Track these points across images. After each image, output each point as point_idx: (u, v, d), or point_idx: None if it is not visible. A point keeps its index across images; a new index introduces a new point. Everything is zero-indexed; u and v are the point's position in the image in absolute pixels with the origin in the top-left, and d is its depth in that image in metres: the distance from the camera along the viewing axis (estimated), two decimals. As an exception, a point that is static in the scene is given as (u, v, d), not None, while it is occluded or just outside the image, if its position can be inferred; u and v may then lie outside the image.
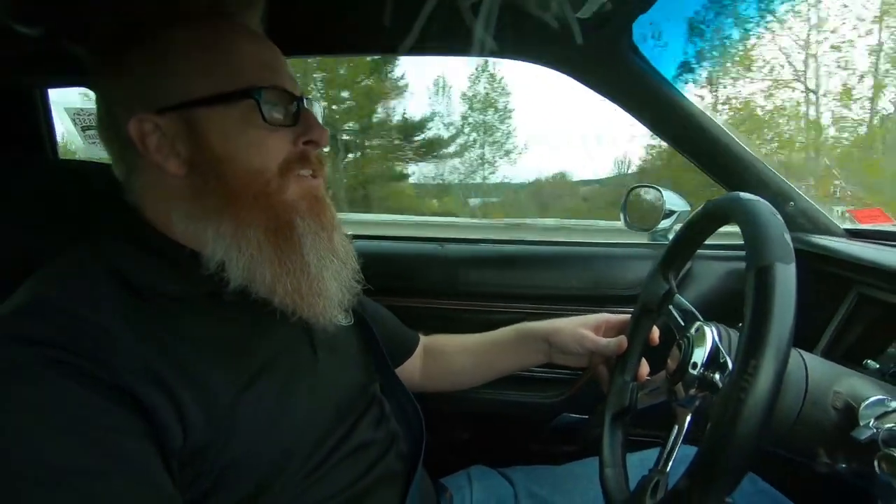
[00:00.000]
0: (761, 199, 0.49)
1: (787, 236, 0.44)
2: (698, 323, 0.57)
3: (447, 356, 0.89)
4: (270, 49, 0.57)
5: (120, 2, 0.52)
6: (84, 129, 1.15)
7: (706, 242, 0.67)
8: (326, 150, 0.61)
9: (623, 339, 0.72)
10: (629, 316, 0.75)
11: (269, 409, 0.52)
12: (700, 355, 0.52)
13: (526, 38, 0.88)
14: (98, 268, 0.49)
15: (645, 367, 0.72)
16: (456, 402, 1.02)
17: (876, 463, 0.44)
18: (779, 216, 0.46)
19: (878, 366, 0.74)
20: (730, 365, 0.51)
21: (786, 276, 0.41)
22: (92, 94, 0.68)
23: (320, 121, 0.61)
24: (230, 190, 0.52)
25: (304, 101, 0.57)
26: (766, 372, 0.38)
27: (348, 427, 0.62)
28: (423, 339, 0.91)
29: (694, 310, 0.61)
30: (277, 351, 0.56)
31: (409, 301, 1.16)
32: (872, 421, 0.45)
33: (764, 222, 0.46)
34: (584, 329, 0.76)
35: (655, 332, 0.72)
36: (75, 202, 0.63)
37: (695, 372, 0.52)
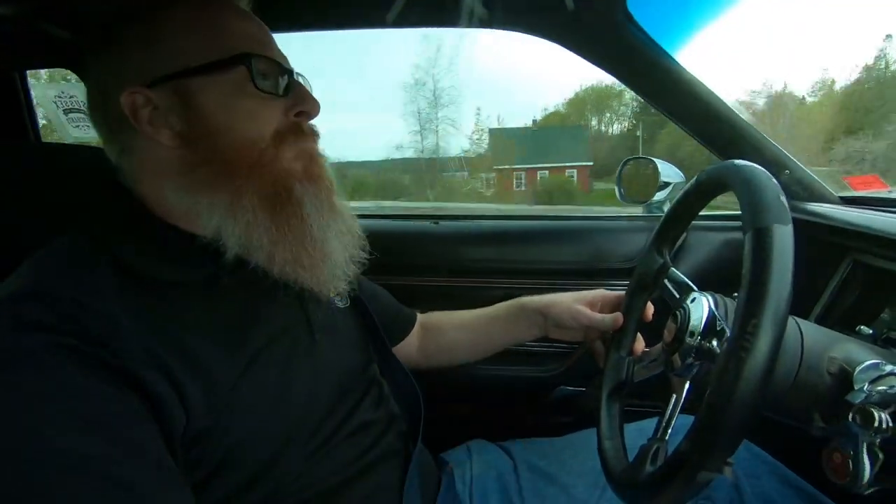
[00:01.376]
0: (755, 165, 0.49)
1: (784, 199, 0.44)
2: (694, 293, 0.57)
3: (444, 332, 0.89)
4: (259, 25, 0.56)
5: None
6: (66, 111, 1.12)
7: (700, 213, 0.67)
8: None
9: (619, 315, 0.72)
10: (623, 293, 0.75)
11: (270, 393, 0.52)
12: (697, 324, 0.52)
13: (518, 8, 0.86)
14: (96, 253, 0.48)
15: (640, 343, 0.72)
16: (454, 377, 1.02)
17: (851, 415, 0.45)
18: (774, 180, 0.46)
19: (871, 331, 0.75)
20: (727, 332, 0.51)
21: (783, 237, 0.41)
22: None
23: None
24: (224, 160, 0.51)
25: (295, 75, 0.57)
26: (767, 330, 0.38)
27: (349, 408, 0.62)
28: (420, 317, 0.91)
29: (689, 281, 0.61)
30: (275, 334, 0.55)
31: (404, 279, 1.15)
32: (867, 385, 0.46)
33: (760, 186, 0.45)
34: (579, 304, 0.76)
35: (650, 309, 0.73)
36: (65, 185, 0.62)
37: (692, 341, 0.52)
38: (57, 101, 1.11)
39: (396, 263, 1.16)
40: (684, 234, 1.08)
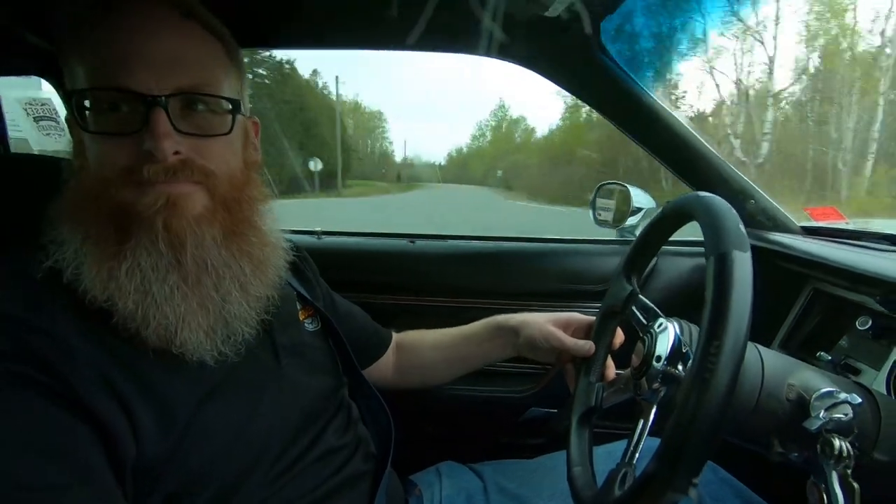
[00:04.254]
0: (716, 196, 0.51)
1: (742, 227, 0.46)
2: (661, 319, 0.58)
3: (420, 352, 0.89)
4: (135, 38, 0.47)
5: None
6: (37, 119, 1.10)
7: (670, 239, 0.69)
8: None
9: (590, 343, 0.72)
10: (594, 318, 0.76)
11: (232, 419, 0.51)
12: (663, 349, 0.54)
13: (497, 36, 0.88)
14: (48, 272, 0.46)
15: (611, 368, 0.73)
16: (425, 398, 1.02)
17: (818, 447, 0.47)
18: (734, 210, 0.48)
19: (829, 357, 0.78)
20: (692, 356, 0.52)
21: (742, 262, 0.43)
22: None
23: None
24: (76, 195, 0.49)
25: (165, 99, 0.47)
26: (728, 351, 0.40)
27: (315, 433, 0.61)
28: (396, 336, 0.91)
29: (656, 308, 0.62)
30: (238, 361, 0.53)
31: (379, 298, 1.15)
32: (822, 412, 0.47)
33: (721, 215, 0.47)
34: (552, 326, 0.77)
35: (619, 336, 0.74)
36: (24, 199, 0.60)
37: (658, 365, 0.53)
38: (27, 108, 1.09)
39: (372, 282, 1.16)
40: (654, 260, 1.10)
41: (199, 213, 0.50)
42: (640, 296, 0.66)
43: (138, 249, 0.47)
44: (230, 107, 0.53)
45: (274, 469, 0.54)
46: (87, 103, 0.47)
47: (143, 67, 0.47)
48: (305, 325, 0.69)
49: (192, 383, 0.49)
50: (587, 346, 0.72)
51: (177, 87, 0.48)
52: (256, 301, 0.55)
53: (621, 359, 0.71)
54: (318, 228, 1.25)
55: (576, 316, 0.79)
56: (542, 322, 0.78)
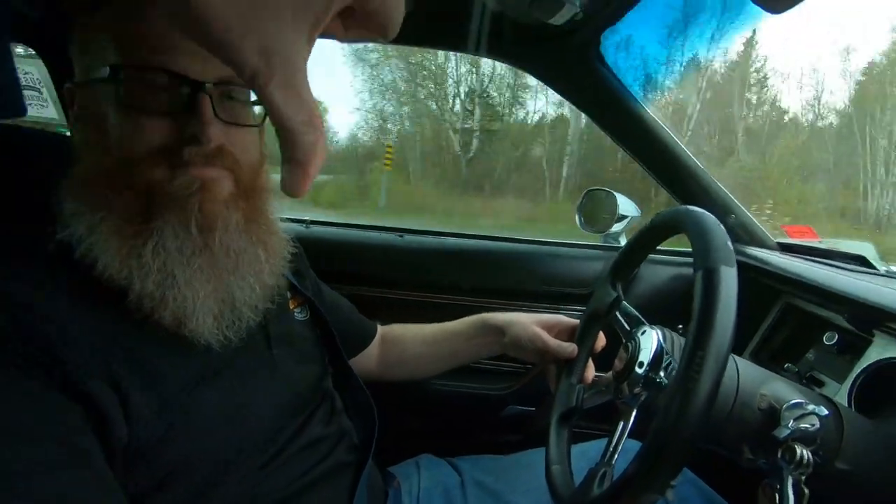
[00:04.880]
0: (705, 211, 0.53)
1: (730, 244, 0.49)
2: (644, 326, 0.60)
3: (404, 345, 0.90)
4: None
5: None
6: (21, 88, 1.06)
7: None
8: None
9: (573, 346, 0.75)
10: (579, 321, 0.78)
11: (224, 406, 0.51)
12: (646, 356, 0.56)
13: (499, 38, 0.89)
14: (47, 248, 0.46)
15: (591, 370, 0.76)
16: (407, 392, 1.03)
17: (780, 451, 0.50)
18: (722, 226, 0.51)
19: (797, 369, 0.82)
20: (674, 364, 0.54)
21: (729, 278, 0.45)
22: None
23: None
24: (95, 172, 0.48)
25: (213, 85, 0.48)
26: (711, 363, 0.42)
27: (301, 422, 0.62)
28: (381, 329, 0.91)
29: (639, 315, 0.65)
30: (234, 346, 0.54)
31: (366, 290, 1.16)
32: (791, 421, 0.50)
33: (711, 230, 0.50)
34: (537, 327, 0.78)
35: (601, 340, 0.76)
36: (15, 169, 0.59)
37: (640, 371, 0.55)
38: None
39: (359, 273, 1.16)
40: (633, 274, 1.14)
41: (226, 198, 0.51)
42: (625, 302, 0.68)
43: (166, 229, 0.47)
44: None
45: (260, 458, 0.55)
46: (124, 78, 0.47)
47: (192, 52, 0.48)
48: (295, 314, 0.69)
49: (187, 368, 0.49)
50: (570, 348, 0.74)
51: (219, 77, 0.49)
52: (265, 289, 0.56)
53: (603, 362, 0.74)
54: (306, 217, 1.25)
55: (561, 318, 0.81)
56: (528, 323, 0.79)
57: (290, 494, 0.57)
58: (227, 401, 0.52)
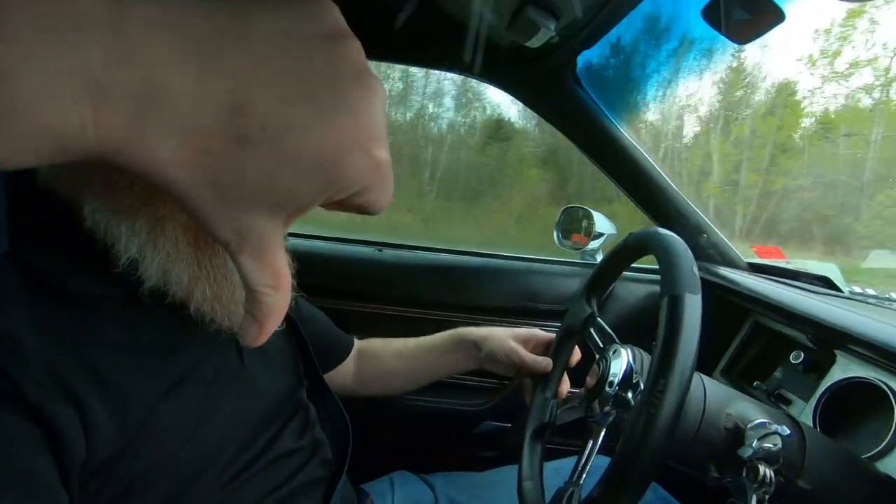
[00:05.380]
0: (675, 235, 0.55)
1: (696, 269, 0.50)
2: (615, 345, 0.61)
3: (381, 360, 0.89)
4: None
5: None
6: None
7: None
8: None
9: (549, 360, 0.75)
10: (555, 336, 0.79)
11: (189, 419, 0.50)
12: (615, 375, 0.57)
13: (477, 58, 0.90)
14: (2, 260, 0.44)
15: (566, 384, 0.76)
16: (381, 407, 1.02)
17: (744, 470, 0.51)
18: (689, 252, 0.52)
19: (765, 387, 0.84)
20: (641, 385, 0.55)
21: (693, 305, 0.47)
22: None
23: None
24: (150, 187, 0.44)
25: None
26: (674, 388, 0.43)
27: (272, 435, 0.60)
28: (358, 343, 0.90)
29: (612, 333, 0.66)
30: (201, 357, 0.53)
31: (343, 304, 1.15)
32: (755, 441, 0.51)
33: (677, 255, 0.51)
34: (513, 342, 0.79)
35: (576, 355, 0.77)
36: None
37: (610, 391, 0.56)
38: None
39: (336, 287, 1.16)
40: (607, 293, 1.15)
41: None
42: (599, 319, 0.69)
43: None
44: None
45: (227, 472, 0.53)
46: None
47: None
48: None
49: (151, 379, 0.48)
50: (545, 362, 0.75)
51: None
52: None
53: (578, 377, 0.74)
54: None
55: (536, 332, 0.81)
56: (503, 337, 0.80)
57: None
58: (192, 414, 0.50)
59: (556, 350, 0.76)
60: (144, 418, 0.46)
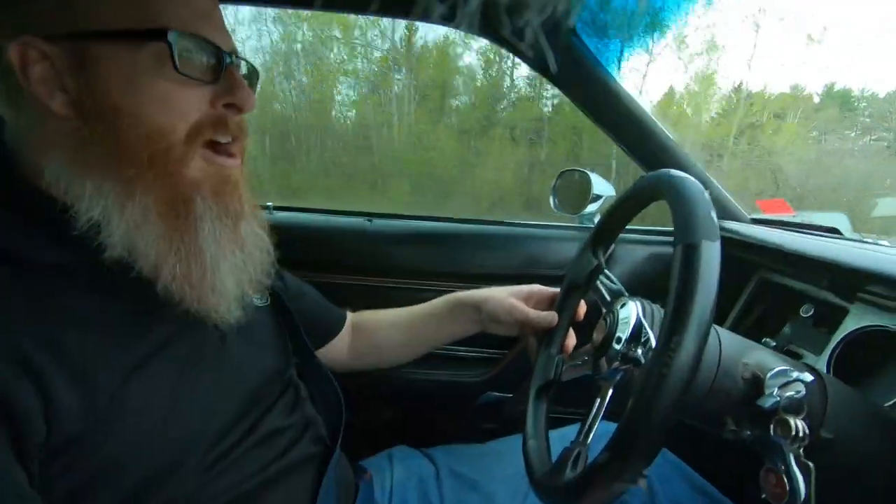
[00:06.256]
0: (691, 177, 0.50)
1: (714, 215, 0.45)
2: (624, 298, 0.58)
3: (377, 331, 0.86)
4: None
5: None
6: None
7: (628, 227, 0.69)
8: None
9: (553, 314, 0.72)
10: (558, 289, 0.75)
11: (164, 398, 0.47)
12: (624, 330, 0.53)
13: (472, 11, 0.85)
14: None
15: (572, 339, 0.73)
16: (379, 382, 0.99)
17: (772, 426, 0.48)
18: (706, 194, 0.47)
19: (774, 344, 0.81)
20: (652, 341, 0.51)
21: (711, 255, 0.42)
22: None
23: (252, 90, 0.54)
24: (122, 145, 0.44)
25: (233, 58, 0.50)
26: (688, 348, 0.39)
27: (259, 414, 0.57)
28: (351, 316, 0.87)
29: (620, 286, 0.62)
30: (175, 332, 0.50)
31: (334, 277, 1.12)
32: (776, 390, 0.48)
33: (693, 200, 0.46)
34: (514, 299, 0.76)
35: (582, 308, 0.73)
36: None
37: (618, 347, 0.52)
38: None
39: (326, 260, 1.12)
40: (613, 245, 1.12)
41: (243, 187, 0.54)
42: (606, 270, 0.65)
43: (206, 216, 0.48)
44: (248, 72, 0.56)
45: (212, 453, 0.50)
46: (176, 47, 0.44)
47: (218, 24, 0.50)
48: (250, 300, 0.64)
49: (120, 355, 0.44)
50: (550, 316, 0.72)
51: (231, 48, 0.50)
52: (265, 263, 0.58)
53: (584, 332, 0.71)
54: (269, 203, 1.19)
55: (537, 288, 0.78)
56: (503, 296, 0.77)
57: (246, 492, 0.53)
58: (167, 394, 0.47)
59: (560, 305, 0.73)
60: (112, 396, 0.43)
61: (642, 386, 0.40)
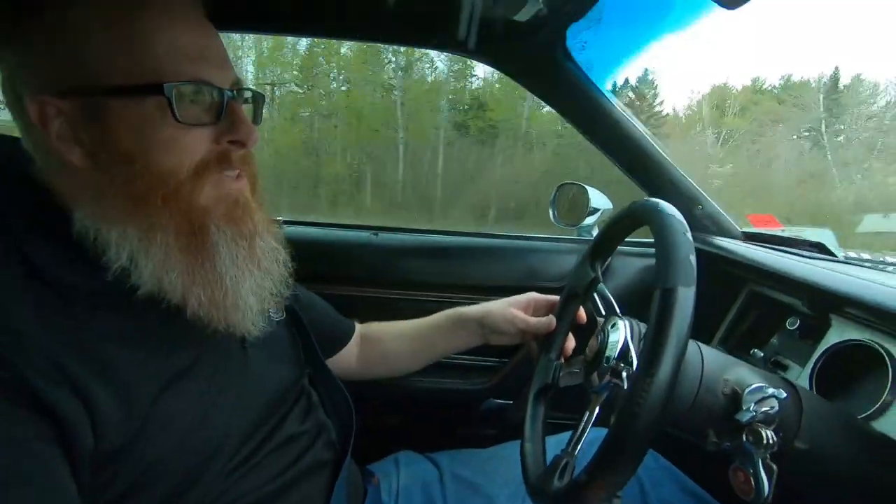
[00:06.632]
0: (677, 216, 0.54)
1: (692, 258, 0.49)
2: (615, 318, 0.62)
3: (384, 343, 0.90)
4: (195, 32, 0.49)
5: None
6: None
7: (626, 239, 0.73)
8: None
9: (552, 318, 0.76)
10: (555, 297, 0.80)
11: (195, 408, 0.51)
12: (613, 350, 0.57)
13: (467, 35, 0.89)
14: (4, 255, 0.45)
15: (571, 343, 0.77)
16: (386, 389, 1.03)
17: (744, 435, 0.52)
18: (688, 234, 0.51)
19: (762, 354, 0.84)
20: (634, 363, 0.56)
21: (684, 300, 0.46)
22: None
23: (257, 115, 0.57)
24: (137, 191, 0.47)
25: (235, 92, 0.51)
26: (659, 385, 0.44)
27: (277, 421, 0.61)
28: (359, 327, 0.91)
29: (614, 302, 0.66)
30: (204, 348, 0.54)
31: (341, 289, 1.15)
32: (752, 405, 0.52)
33: (675, 244, 0.50)
34: (514, 309, 0.80)
35: (583, 313, 0.77)
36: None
37: (607, 365, 0.57)
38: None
39: (333, 273, 1.16)
40: (610, 258, 1.16)
41: (254, 205, 0.55)
42: (602, 284, 0.69)
43: (221, 242, 0.51)
44: (252, 97, 0.57)
45: (233, 460, 0.54)
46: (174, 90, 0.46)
47: (214, 61, 0.50)
48: (270, 313, 0.69)
49: (155, 370, 0.48)
50: (549, 321, 0.76)
51: (231, 82, 0.52)
52: (284, 277, 0.60)
53: (583, 337, 0.75)
54: (279, 217, 1.23)
55: (534, 295, 0.83)
56: (503, 308, 0.81)
57: (266, 494, 0.57)
58: (197, 404, 0.51)
59: (559, 312, 0.77)
60: (150, 409, 0.47)
61: (619, 418, 0.45)
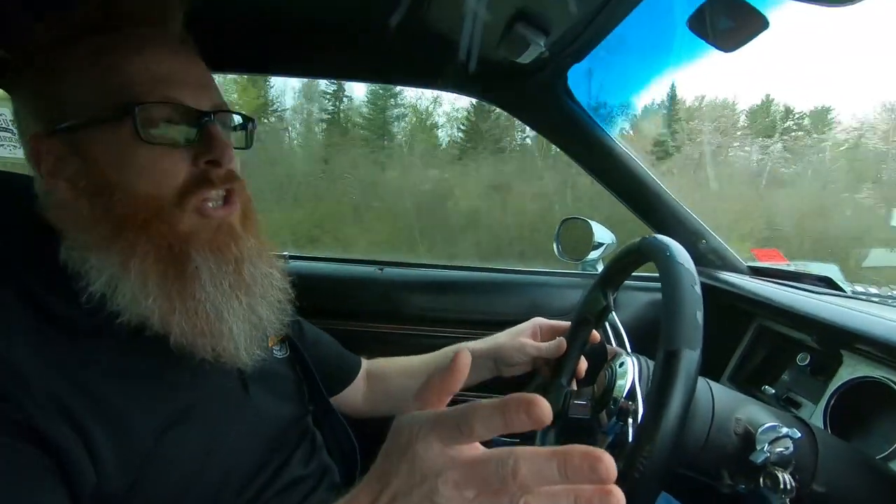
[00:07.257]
0: (686, 264, 0.52)
1: (700, 315, 0.48)
2: (623, 357, 0.61)
3: (390, 379, 0.88)
4: (168, 57, 0.50)
5: (6, 23, 0.50)
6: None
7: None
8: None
9: (562, 340, 0.75)
10: (558, 322, 0.80)
11: (194, 453, 0.50)
12: (621, 390, 0.57)
13: (470, 76, 0.92)
14: (7, 289, 0.45)
15: (583, 365, 0.76)
16: (389, 426, 1.00)
17: (761, 479, 0.51)
18: (697, 289, 0.50)
19: (773, 391, 0.83)
20: (640, 409, 0.55)
21: (689, 363, 0.45)
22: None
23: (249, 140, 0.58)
24: (117, 217, 0.47)
25: (213, 116, 0.51)
26: (660, 449, 0.43)
27: (280, 463, 0.60)
28: (366, 363, 0.90)
29: (624, 335, 0.66)
30: (205, 389, 0.53)
31: (346, 324, 1.15)
32: (766, 445, 0.51)
33: (681, 299, 0.49)
34: (522, 338, 0.79)
35: (596, 334, 0.76)
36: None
37: (614, 407, 0.56)
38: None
39: (339, 309, 1.16)
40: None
41: (241, 230, 0.55)
42: (614, 314, 0.69)
43: (203, 269, 0.50)
44: (242, 122, 0.58)
45: (239, 500, 0.53)
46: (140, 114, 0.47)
47: (192, 84, 0.51)
48: (274, 351, 0.68)
49: (154, 411, 0.48)
50: (559, 343, 0.76)
51: (213, 105, 0.52)
52: (284, 304, 0.60)
53: (597, 361, 0.74)
54: (285, 252, 1.24)
55: (538, 320, 0.83)
56: (511, 338, 0.80)
57: None
58: (197, 445, 0.50)
59: (570, 336, 0.76)
60: (148, 454, 0.46)
61: (619, 481, 0.44)
